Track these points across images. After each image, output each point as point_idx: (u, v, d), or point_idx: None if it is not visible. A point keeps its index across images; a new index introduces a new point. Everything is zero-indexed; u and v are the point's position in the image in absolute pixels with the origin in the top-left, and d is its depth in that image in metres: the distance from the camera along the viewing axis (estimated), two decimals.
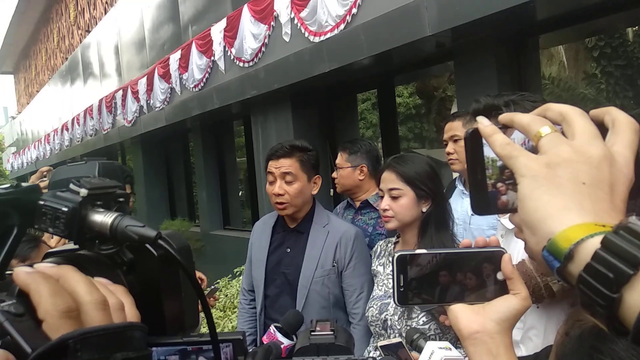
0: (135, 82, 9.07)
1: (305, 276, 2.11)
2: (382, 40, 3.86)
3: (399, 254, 0.65)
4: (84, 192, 0.54)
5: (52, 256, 0.56)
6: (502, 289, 0.63)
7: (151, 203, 9.97)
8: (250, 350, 0.63)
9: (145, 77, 8.64)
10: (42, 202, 0.54)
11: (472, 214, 2.49)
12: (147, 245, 0.59)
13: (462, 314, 0.63)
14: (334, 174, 2.88)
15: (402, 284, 0.64)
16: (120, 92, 9.91)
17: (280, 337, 1.22)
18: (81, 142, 12.98)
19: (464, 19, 3.20)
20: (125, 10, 10.33)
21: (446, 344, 1.07)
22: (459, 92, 3.95)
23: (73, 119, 13.61)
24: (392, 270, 0.65)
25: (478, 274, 0.64)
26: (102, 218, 0.54)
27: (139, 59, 9.81)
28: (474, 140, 0.56)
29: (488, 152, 0.55)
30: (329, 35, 4.45)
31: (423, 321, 1.74)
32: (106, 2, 12.55)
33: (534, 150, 0.50)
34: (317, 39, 4.59)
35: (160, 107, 8.13)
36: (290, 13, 4.89)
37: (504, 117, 0.55)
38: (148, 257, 0.59)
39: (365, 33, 4.00)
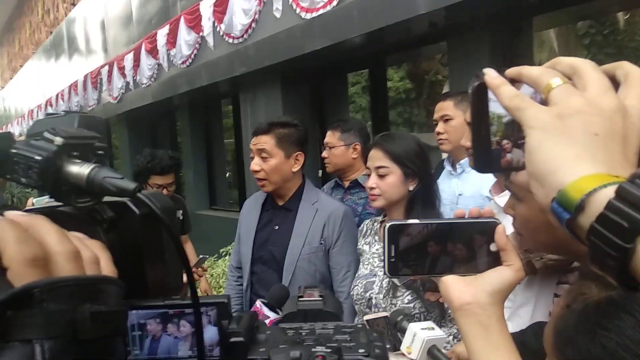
0: (122, 58, 8.90)
1: (292, 253, 2.10)
2: (374, 18, 3.80)
3: (391, 223, 0.63)
4: (59, 140, 0.50)
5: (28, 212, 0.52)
6: (495, 260, 0.62)
7: None
8: (235, 315, 0.60)
9: (132, 53, 8.48)
10: (14, 151, 0.50)
11: (460, 194, 2.49)
12: (129, 203, 0.56)
13: (454, 285, 0.62)
14: (325, 153, 2.83)
15: (393, 255, 0.63)
16: (106, 67, 9.73)
17: (266, 312, 1.21)
18: None
19: None
20: None
21: (429, 323, 1.07)
22: (452, 73, 3.92)
23: (57, 95, 13.37)
24: (384, 240, 0.63)
25: (471, 245, 0.62)
26: (78, 169, 0.50)
27: (126, 34, 9.61)
28: (479, 94, 0.53)
29: (494, 108, 0.52)
30: (320, 11, 4.38)
31: (408, 299, 1.73)
32: None
33: (544, 104, 0.48)
34: (308, 16, 4.52)
35: (147, 84, 7.99)
36: None
37: (512, 70, 0.52)
38: (130, 216, 0.55)
39: (357, 10, 3.94)
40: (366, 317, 1.36)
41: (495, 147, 0.53)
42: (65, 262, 0.41)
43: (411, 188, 1.78)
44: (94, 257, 0.45)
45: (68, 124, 0.61)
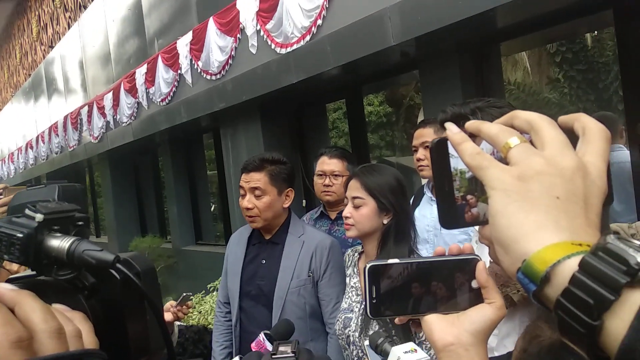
0: (101, 98, 8.91)
1: (280, 287, 2.11)
2: (347, 51, 3.90)
3: (371, 264, 0.63)
4: (39, 217, 0.53)
5: (13, 282, 0.55)
6: (477, 297, 0.61)
7: (120, 220, 9.77)
8: None
9: (111, 92, 8.50)
10: None
11: None
12: (110, 270, 0.59)
13: (436, 325, 0.61)
14: (327, 181, 2.71)
15: (374, 296, 0.62)
16: (86, 107, 9.72)
17: (268, 346, 1.21)
18: (47, 160, 12.65)
19: (427, 28, 3.27)
20: (89, 25, 10.17)
21: (411, 345, 1.06)
22: (425, 100, 4.02)
23: (38, 137, 13.26)
24: (364, 282, 0.62)
25: (452, 283, 0.62)
26: (59, 243, 0.53)
27: (105, 73, 9.65)
28: (441, 150, 0.54)
29: (456, 164, 0.53)
30: (295, 46, 4.47)
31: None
32: (70, 17, 12.32)
33: (503, 161, 0.47)
34: (283, 51, 4.61)
35: (127, 122, 8.00)
36: (256, 25, 4.90)
37: (471, 124, 0.52)
38: (110, 281, 0.58)
39: (331, 44, 4.04)
40: (365, 343, 1.34)
41: (460, 203, 0.53)
42: (48, 340, 0.43)
43: (385, 221, 1.80)
44: (76, 330, 0.47)
45: (48, 195, 0.63)
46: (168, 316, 1.78)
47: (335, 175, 2.69)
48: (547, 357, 0.61)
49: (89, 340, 0.48)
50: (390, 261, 0.63)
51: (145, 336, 0.61)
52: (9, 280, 0.57)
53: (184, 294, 1.84)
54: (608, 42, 6.93)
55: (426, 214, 2.56)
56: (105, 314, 0.58)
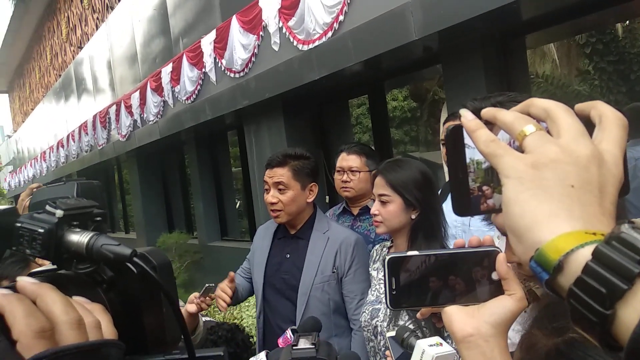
0: (129, 97, 9.09)
1: (305, 282, 2.12)
2: (369, 46, 3.89)
3: (391, 256, 0.63)
4: (59, 213, 0.56)
5: (33, 276, 0.57)
6: (497, 289, 0.61)
7: (148, 217, 9.96)
8: None
9: (138, 91, 8.66)
10: (19, 224, 0.55)
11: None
12: (127, 264, 0.61)
13: (456, 316, 0.61)
14: (345, 177, 2.71)
15: (394, 287, 0.62)
16: (114, 107, 9.93)
17: None
18: (77, 159, 12.97)
19: (449, 22, 3.23)
20: (116, 25, 10.37)
21: (437, 339, 1.05)
22: (449, 94, 3.98)
23: (68, 136, 13.61)
24: (384, 274, 0.63)
25: (472, 275, 0.61)
26: (78, 238, 0.55)
27: (132, 73, 9.83)
28: (455, 138, 0.53)
29: (472, 154, 0.52)
30: (317, 43, 4.47)
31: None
32: (97, 18, 12.60)
33: (520, 150, 0.47)
34: (305, 47, 4.62)
35: (154, 121, 8.14)
36: (279, 22, 4.92)
37: (487, 112, 0.51)
38: (128, 275, 0.60)
39: (352, 39, 4.03)
40: (389, 334, 1.35)
41: (476, 194, 0.53)
42: (69, 331, 0.45)
43: (413, 217, 1.80)
44: (96, 322, 0.48)
45: (67, 192, 0.66)
46: (192, 307, 1.80)
47: (353, 171, 2.68)
48: None
49: (109, 331, 0.50)
50: (410, 253, 0.62)
51: (162, 328, 0.63)
52: (30, 275, 0.60)
53: (207, 285, 1.86)
54: None
55: (451, 209, 2.53)
56: (123, 307, 0.60)
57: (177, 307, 0.57)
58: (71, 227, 0.56)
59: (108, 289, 0.60)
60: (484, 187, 0.53)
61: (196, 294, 1.87)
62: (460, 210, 0.55)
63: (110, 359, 0.47)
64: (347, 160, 2.71)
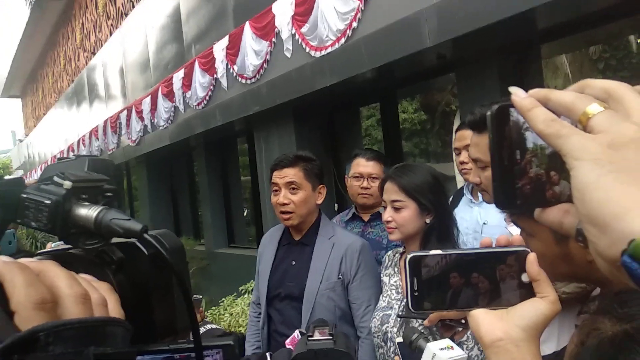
0: (140, 102, 9.14)
1: (310, 289, 2.08)
2: (382, 53, 3.87)
3: (413, 255, 0.59)
4: (67, 184, 0.52)
5: (36, 256, 0.54)
6: (528, 292, 0.57)
7: (156, 222, 9.96)
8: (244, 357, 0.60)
9: (149, 97, 8.70)
10: (24, 195, 0.52)
11: (484, 223, 2.43)
12: (138, 244, 0.57)
13: (484, 319, 0.57)
14: (365, 184, 2.67)
15: (416, 288, 0.59)
16: (125, 112, 9.99)
17: None
18: None
19: (464, 29, 3.21)
20: (130, 32, 10.47)
21: (447, 342, 1.01)
22: (462, 104, 3.94)
23: (79, 140, 13.71)
24: (405, 273, 0.59)
25: (500, 276, 0.58)
26: (87, 212, 0.52)
27: (144, 79, 9.90)
28: (501, 119, 0.47)
29: (535, 138, 0.46)
30: (329, 49, 4.47)
31: None
32: (111, 25, 12.73)
33: None
34: (318, 54, 4.61)
35: (164, 126, 8.17)
36: (291, 29, 4.93)
37: (538, 92, 0.45)
38: (139, 257, 0.57)
39: (365, 46, 4.02)
40: (398, 340, 1.31)
41: (540, 181, 0.46)
42: (73, 305, 0.42)
43: (428, 221, 1.77)
44: (102, 299, 0.45)
45: (78, 168, 0.63)
46: None
47: (373, 177, 2.66)
48: (610, 349, 0.56)
49: (115, 311, 0.47)
50: (433, 252, 0.59)
51: (173, 315, 0.59)
52: (37, 254, 0.56)
53: (194, 297, 1.82)
54: None
55: (465, 216, 2.49)
56: (132, 291, 0.57)
57: (188, 292, 0.54)
58: (80, 201, 0.53)
59: (117, 270, 0.56)
60: (544, 175, 0.46)
61: None
62: (504, 203, 0.48)
63: (116, 338, 0.43)
64: (366, 166, 2.69)
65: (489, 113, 0.48)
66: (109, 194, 0.58)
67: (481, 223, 2.41)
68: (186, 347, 0.55)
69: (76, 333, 0.39)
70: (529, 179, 0.47)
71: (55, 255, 0.53)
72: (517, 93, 0.46)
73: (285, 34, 5.03)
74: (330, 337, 0.67)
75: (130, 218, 0.52)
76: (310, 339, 0.67)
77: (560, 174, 0.45)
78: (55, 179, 0.53)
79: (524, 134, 0.46)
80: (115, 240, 0.57)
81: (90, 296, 0.44)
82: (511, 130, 0.47)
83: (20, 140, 28.92)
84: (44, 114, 21.07)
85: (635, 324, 0.59)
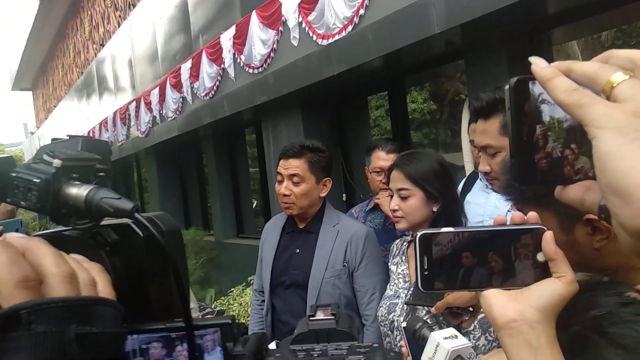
0: (148, 93, 9.16)
1: (315, 277, 2.07)
2: (390, 40, 3.82)
3: (422, 232, 0.57)
4: (57, 162, 0.51)
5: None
6: (543, 272, 0.55)
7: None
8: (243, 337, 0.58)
9: (158, 88, 8.72)
10: (14, 174, 0.51)
11: (508, 210, 2.36)
12: (133, 226, 0.56)
13: (497, 299, 0.55)
14: (381, 178, 2.58)
15: (426, 267, 0.56)
16: (134, 103, 10.02)
17: None
18: None
19: (473, 15, 3.15)
20: (138, 23, 10.47)
21: (451, 331, 1.00)
22: (471, 91, 3.89)
23: (89, 132, 13.79)
24: (415, 252, 0.57)
25: (515, 255, 0.55)
26: (77, 191, 0.51)
27: (152, 70, 9.91)
28: (520, 92, 0.45)
29: (552, 111, 0.45)
30: (337, 37, 4.42)
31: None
32: (119, 16, 12.74)
33: None
34: (325, 42, 4.57)
35: (173, 117, 8.18)
36: (298, 17, 4.89)
37: (559, 64, 0.44)
38: (133, 239, 0.55)
39: (373, 33, 3.97)
40: (403, 324, 1.29)
41: (542, 156, 0.45)
42: (59, 284, 0.40)
43: (435, 209, 1.74)
44: (90, 279, 0.44)
45: (72, 148, 0.62)
46: None
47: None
48: (583, 294, 0.56)
49: (106, 291, 0.46)
50: (444, 229, 0.56)
51: (168, 297, 0.58)
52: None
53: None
54: None
55: (480, 202, 2.44)
56: (127, 273, 0.55)
57: (181, 277, 0.52)
58: (70, 180, 0.52)
59: (111, 252, 0.55)
60: (566, 150, 0.45)
61: None
62: (524, 179, 0.47)
63: (104, 318, 0.42)
64: (387, 160, 2.59)
65: (507, 87, 0.46)
66: (101, 174, 0.56)
67: (503, 211, 2.36)
68: (179, 326, 0.54)
69: (61, 312, 0.38)
70: (548, 155, 0.45)
71: (49, 236, 0.52)
72: (537, 62, 0.44)
73: (292, 22, 4.99)
74: (333, 317, 0.65)
75: (120, 197, 0.51)
76: (311, 319, 0.66)
77: (581, 148, 0.44)
78: (45, 157, 0.52)
79: (543, 107, 0.45)
80: (110, 221, 0.56)
81: (77, 276, 0.43)
82: (530, 104, 0.45)
83: (32, 133, 29.17)
84: (55, 107, 21.21)
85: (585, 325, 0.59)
